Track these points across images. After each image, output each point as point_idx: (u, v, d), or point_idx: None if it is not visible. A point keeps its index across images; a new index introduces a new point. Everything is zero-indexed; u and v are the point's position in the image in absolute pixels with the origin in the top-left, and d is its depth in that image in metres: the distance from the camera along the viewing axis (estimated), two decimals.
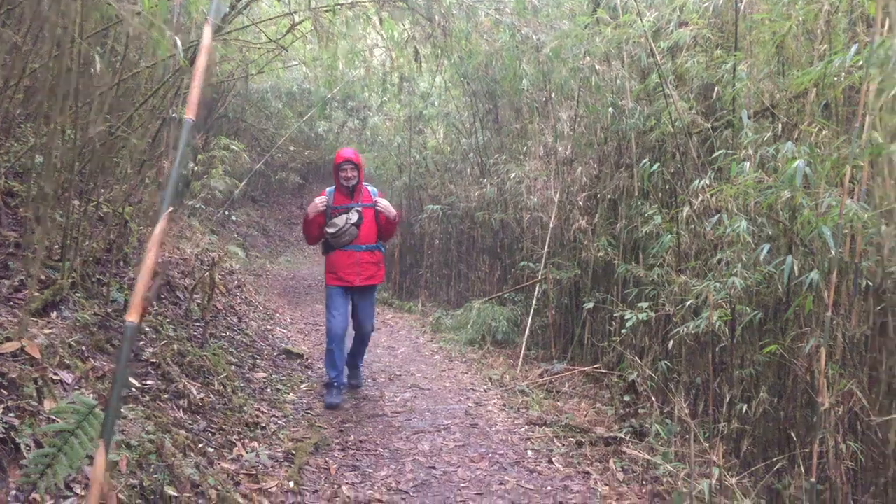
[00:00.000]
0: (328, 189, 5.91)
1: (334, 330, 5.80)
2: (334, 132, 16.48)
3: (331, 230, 5.74)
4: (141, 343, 4.60)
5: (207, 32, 1.72)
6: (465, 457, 4.75)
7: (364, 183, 5.93)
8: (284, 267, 15.01)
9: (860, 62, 3.29)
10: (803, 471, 3.48)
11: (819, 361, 3.30)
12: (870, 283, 3.61)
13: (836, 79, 3.83)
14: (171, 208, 1.55)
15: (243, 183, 8.06)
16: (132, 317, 1.62)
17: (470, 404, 5.99)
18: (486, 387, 6.58)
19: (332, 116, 15.85)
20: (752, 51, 4.90)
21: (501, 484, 4.32)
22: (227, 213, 14.40)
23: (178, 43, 2.65)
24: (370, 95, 13.94)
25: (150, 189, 5.57)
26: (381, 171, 13.19)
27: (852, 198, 3.40)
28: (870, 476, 3.60)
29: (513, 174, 8.56)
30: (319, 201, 5.74)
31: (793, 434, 3.96)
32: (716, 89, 5.30)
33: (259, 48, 6.65)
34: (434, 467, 4.53)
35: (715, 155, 4.93)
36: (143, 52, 5.24)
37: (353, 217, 5.74)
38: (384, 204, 5.82)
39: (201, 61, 1.64)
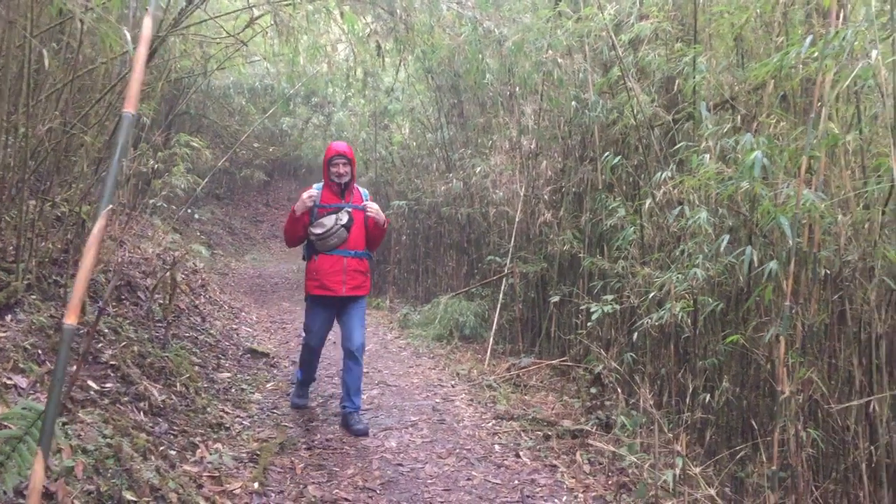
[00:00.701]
0: (315, 185, 5.24)
1: (310, 347, 5.30)
2: (298, 128, 16.35)
3: (317, 231, 5.03)
4: (99, 345, 4.50)
5: (147, 23, 1.67)
6: (433, 453, 4.73)
7: (356, 183, 5.30)
8: (251, 265, 14.86)
9: (815, 53, 3.33)
10: (765, 459, 3.52)
11: (779, 350, 3.33)
12: (828, 272, 3.66)
13: (792, 70, 3.87)
14: (110, 206, 1.49)
15: (206, 180, 7.93)
16: (70, 319, 1.57)
17: (437, 400, 5.97)
18: (453, 382, 6.57)
19: (295, 112, 15.72)
20: (712, 43, 4.94)
21: (469, 479, 4.31)
22: (190, 211, 14.19)
23: (129, 37, 2.58)
24: (334, 91, 13.84)
25: None
26: None
27: (810, 188, 3.44)
28: (830, 462, 3.66)
29: (478, 169, 8.55)
30: (308, 196, 5.06)
31: (754, 423, 4.01)
32: (676, 82, 5.33)
33: (218, 43, 6.54)
34: (401, 464, 4.50)
35: (676, 147, 4.97)
36: (100, 49, 5.11)
37: (344, 218, 5.04)
38: (374, 208, 5.13)
39: (141, 52, 1.59)
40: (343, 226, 5.03)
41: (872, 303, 3.23)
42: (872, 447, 3.25)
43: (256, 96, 14.65)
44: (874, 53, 2.97)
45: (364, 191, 5.33)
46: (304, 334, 5.38)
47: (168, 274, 5.99)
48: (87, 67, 5.08)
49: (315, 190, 5.15)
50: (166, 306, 5.93)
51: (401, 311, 9.97)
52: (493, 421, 5.42)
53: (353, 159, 5.16)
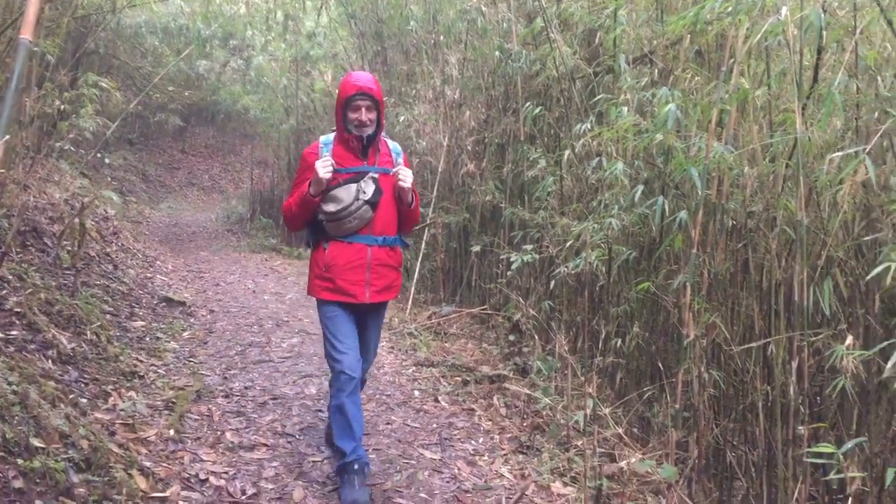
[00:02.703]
0: (322, 140, 3.50)
1: (345, 373, 3.37)
2: (216, 72, 15.78)
3: (330, 208, 3.37)
4: (3, 292, 4.31)
5: None
6: None
7: (383, 135, 3.58)
8: (166, 213, 14.41)
9: (729, 9, 3.41)
10: (670, 399, 3.69)
11: (685, 297, 3.48)
12: (734, 223, 3.82)
13: (707, 26, 3.96)
14: (6, 137, 1.42)
15: (116, 124, 7.59)
16: None
17: None
18: None
19: (212, 55, 15.15)
20: None
21: (388, 423, 4.37)
22: (100, 156, 13.58)
23: None
24: (253, 34, 13.37)
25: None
26: (268, 113, 12.78)
27: (720, 141, 3.56)
28: (731, 402, 3.87)
29: (402, 118, 8.47)
30: (325, 167, 3.30)
31: (662, 366, 4.19)
32: (598, 35, 5.39)
33: None
34: (321, 410, 4.52)
35: (596, 100, 5.04)
36: None
37: (368, 189, 3.35)
38: (405, 175, 3.43)
39: None
40: (367, 201, 3.34)
41: (773, 251, 3.39)
42: (769, 387, 3.45)
43: (171, 37, 14.01)
44: (784, 10, 3.07)
45: (395, 146, 3.60)
46: (329, 362, 3.49)
47: (76, 220, 5.75)
48: None
49: (324, 148, 3.43)
50: (75, 253, 5.71)
51: None
52: (414, 368, 5.49)
53: (382, 100, 3.43)
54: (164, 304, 6.88)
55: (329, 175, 3.25)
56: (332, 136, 3.46)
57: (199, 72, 15.54)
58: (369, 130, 3.34)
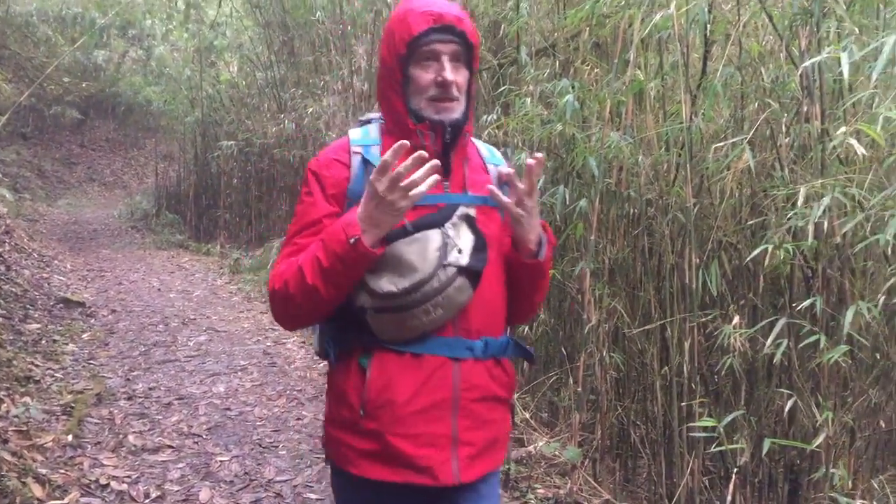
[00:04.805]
0: (356, 138, 1.66)
1: None
2: (115, 62, 15.15)
3: (386, 287, 1.50)
4: None
5: None
6: (263, 395, 4.70)
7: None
8: (65, 211, 13.76)
9: (623, 2, 3.52)
10: (573, 383, 3.80)
11: (585, 283, 3.58)
12: (634, 210, 3.95)
13: (604, 19, 4.07)
14: None
15: (5, 117, 7.20)
16: None
17: (269, 344, 5.91)
18: None
19: (110, 45, 14.52)
20: None
21: (299, 419, 4.34)
22: None
23: None
24: (153, 23, 12.89)
25: None
26: (172, 105, 12.37)
27: (618, 131, 3.67)
28: (632, 383, 4.01)
29: (310, 109, 8.36)
30: (424, 175, 1.43)
31: (567, 351, 4.31)
32: (502, 26, 5.45)
33: None
34: (229, 408, 4.44)
35: (500, 90, 5.11)
36: None
37: (464, 239, 1.55)
38: (527, 200, 1.59)
39: None
40: (465, 268, 1.53)
41: (667, 237, 3.53)
42: (666, 367, 3.59)
43: (65, 26, 13.38)
44: (672, 5, 3.18)
45: (488, 149, 1.79)
46: None
47: None
48: None
49: (364, 152, 1.62)
50: None
51: (232, 256, 9.67)
52: (324, 362, 5.44)
53: (477, 42, 1.63)
54: (61, 305, 6.58)
55: (421, 194, 1.44)
56: (370, 129, 1.69)
57: (97, 62, 14.88)
58: (457, 113, 1.58)
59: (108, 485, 3.34)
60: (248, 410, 4.43)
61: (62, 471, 3.39)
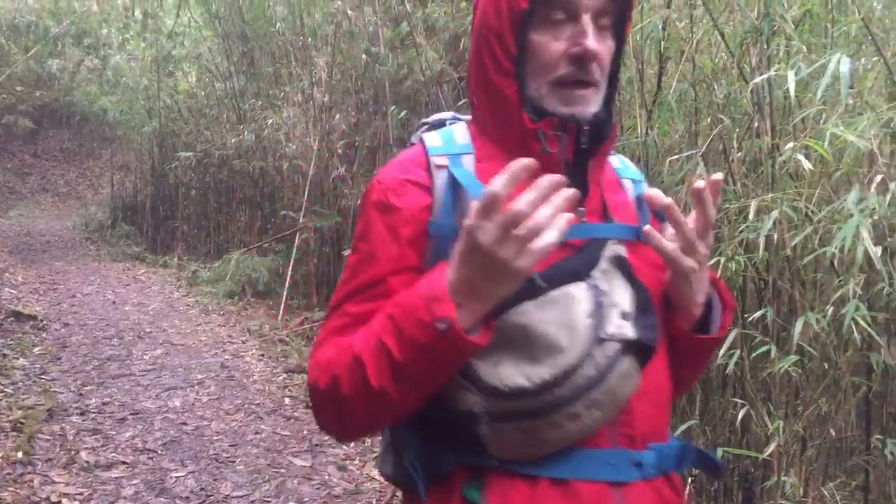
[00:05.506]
0: (435, 145, 1.09)
1: None
2: (69, 71, 14.87)
3: (514, 379, 0.94)
4: None
5: None
6: (220, 410, 4.63)
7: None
8: (16, 222, 13.44)
9: None
10: None
11: None
12: None
13: None
14: None
15: None
16: None
17: (227, 357, 5.83)
18: (244, 338, 6.43)
19: (65, 54, 14.26)
20: None
21: (257, 433, 4.28)
22: None
23: None
24: (109, 32, 12.68)
25: None
26: (128, 116, 12.19)
27: None
28: None
29: (270, 121, 8.32)
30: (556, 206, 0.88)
31: None
32: (462, 40, 5.50)
33: None
34: (185, 423, 4.37)
35: (461, 103, 5.15)
36: None
37: (621, 294, 1.01)
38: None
39: None
40: (634, 343, 0.98)
41: None
42: None
43: (18, 34, 13.10)
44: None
45: (622, 162, 1.23)
46: None
47: None
48: None
49: (452, 166, 1.05)
50: None
51: (189, 268, 9.54)
52: (284, 375, 5.39)
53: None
54: (11, 318, 6.41)
55: (551, 248, 0.88)
56: (454, 132, 1.14)
57: (52, 71, 14.58)
58: (594, 106, 1.06)
59: (59, 502, 3.26)
60: (205, 425, 4.36)
61: (11, 489, 3.30)
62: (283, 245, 8.45)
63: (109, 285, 8.70)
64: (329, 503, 3.43)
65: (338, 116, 7.54)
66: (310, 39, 7.96)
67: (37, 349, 5.72)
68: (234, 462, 3.85)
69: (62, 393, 4.74)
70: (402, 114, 5.65)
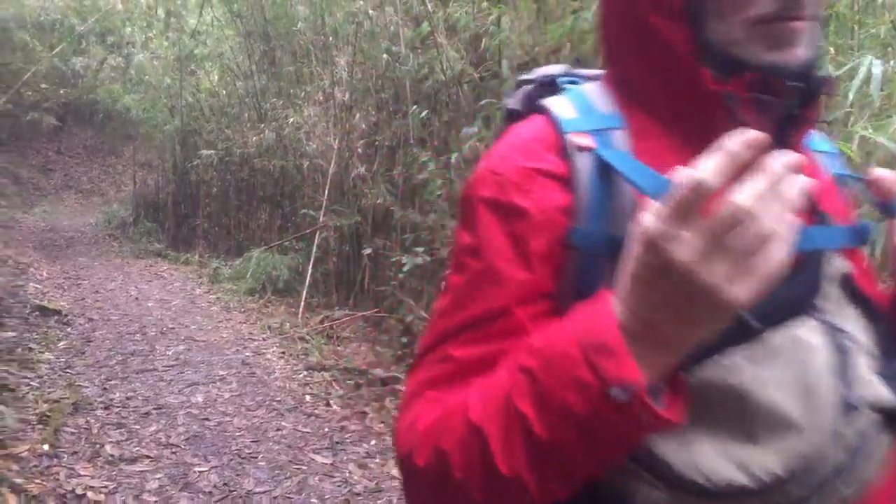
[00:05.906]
0: (572, 114, 0.77)
1: None
2: (93, 69, 15.03)
3: (723, 471, 0.64)
4: None
5: None
6: (242, 406, 4.67)
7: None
8: (41, 218, 13.60)
9: None
10: None
11: None
12: None
13: (585, 35, 4.13)
14: None
15: None
16: None
17: (248, 354, 5.88)
18: (265, 336, 6.48)
19: (89, 52, 14.41)
20: (515, 4, 5.13)
21: (278, 430, 4.32)
22: None
23: None
24: (133, 30, 12.81)
25: None
26: (150, 114, 12.30)
27: None
28: None
29: (291, 120, 8.37)
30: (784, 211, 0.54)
31: None
32: (483, 40, 5.51)
33: None
34: (208, 419, 4.41)
35: (482, 103, 5.15)
36: None
37: (854, 327, 0.71)
38: None
39: None
40: (884, 412, 0.67)
41: None
42: None
43: (43, 32, 13.25)
44: None
45: (825, 142, 0.89)
46: None
47: None
48: None
49: (585, 135, 0.74)
50: None
51: (211, 265, 9.62)
52: (305, 372, 5.43)
53: None
54: (37, 313, 6.51)
55: (782, 268, 0.55)
56: (588, 95, 0.81)
57: (76, 69, 14.74)
58: (807, 50, 0.70)
59: (84, 495, 3.31)
60: (227, 421, 4.40)
61: (38, 481, 3.35)
62: (303, 243, 8.50)
63: (132, 281, 8.80)
64: (350, 501, 3.45)
65: (358, 116, 7.58)
66: (331, 39, 8.00)
67: (62, 343, 5.79)
68: (256, 458, 3.89)
69: (87, 387, 4.80)
70: (423, 113, 5.66)
